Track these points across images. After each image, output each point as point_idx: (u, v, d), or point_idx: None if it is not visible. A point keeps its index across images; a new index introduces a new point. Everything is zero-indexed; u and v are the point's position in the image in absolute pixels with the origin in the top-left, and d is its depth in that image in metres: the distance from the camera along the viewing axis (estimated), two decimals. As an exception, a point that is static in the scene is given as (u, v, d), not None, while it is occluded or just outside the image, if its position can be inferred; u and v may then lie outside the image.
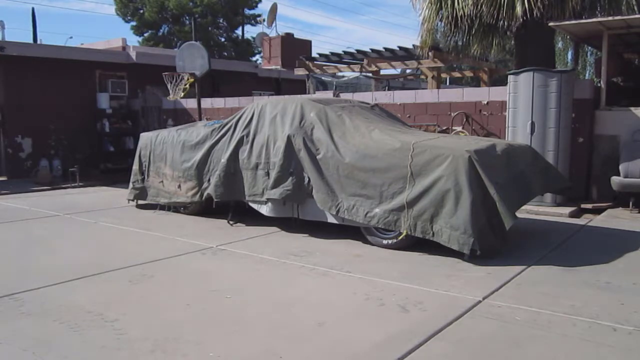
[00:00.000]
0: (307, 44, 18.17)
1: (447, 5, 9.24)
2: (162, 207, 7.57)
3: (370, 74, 13.98)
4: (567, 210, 7.22)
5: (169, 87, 11.41)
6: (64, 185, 10.64)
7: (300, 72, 14.12)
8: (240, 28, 32.91)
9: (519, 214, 5.59)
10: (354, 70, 13.81)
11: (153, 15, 30.01)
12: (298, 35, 18.63)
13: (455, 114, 8.67)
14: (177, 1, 29.36)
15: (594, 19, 7.95)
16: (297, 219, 6.16)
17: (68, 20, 76.96)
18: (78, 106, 12.41)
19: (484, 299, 3.92)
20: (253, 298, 4.04)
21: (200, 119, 11.18)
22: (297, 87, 15.09)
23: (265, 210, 6.34)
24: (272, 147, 6.26)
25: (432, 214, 4.99)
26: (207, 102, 12.20)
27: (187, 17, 30.11)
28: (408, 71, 16.01)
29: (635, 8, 9.23)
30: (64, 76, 12.19)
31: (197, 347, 3.17)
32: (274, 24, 18.86)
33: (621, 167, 7.13)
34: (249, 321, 3.58)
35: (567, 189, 6.67)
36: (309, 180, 5.89)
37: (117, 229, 6.55)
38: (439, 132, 8.49)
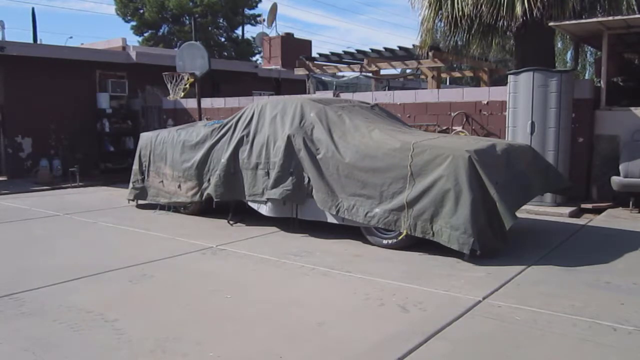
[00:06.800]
0: (307, 44, 18.18)
1: (447, 5, 9.24)
2: (162, 207, 7.57)
3: (370, 74, 13.98)
4: (567, 210, 7.22)
5: (169, 87, 11.43)
6: (64, 185, 10.63)
7: (300, 72, 14.12)
8: (240, 28, 32.94)
9: (519, 214, 5.59)
10: (354, 70, 13.81)
11: (153, 15, 30.00)
12: (298, 35, 18.67)
13: (455, 114, 8.67)
14: (177, 1, 29.35)
15: (594, 19, 7.95)
16: (297, 219, 6.16)
17: (68, 20, 77.13)
18: (78, 106, 12.40)
19: (484, 299, 3.92)
20: (253, 298, 4.04)
21: (200, 119, 11.19)
22: (297, 87, 15.08)
23: (264, 210, 6.34)
24: (272, 147, 6.26)
25: (432, 214, 4.99)
26: (207, 102, 12.20)
27: (187, 17, 30.11)
28: (408, 71, 16.04)
29: (635, 8, 9.22)
30: (64, 76, 12.18)
31: (197, 347, 3.17)
32: (274, 24, 18.91)
33: (621, 167, 7.13)
34: (249, 321, 3.58)
35: (567, 189, 6.67)
36: (309, 180, 5.89)
37: (117, 229, 6.55)
38: (439, 132, 8.49)
